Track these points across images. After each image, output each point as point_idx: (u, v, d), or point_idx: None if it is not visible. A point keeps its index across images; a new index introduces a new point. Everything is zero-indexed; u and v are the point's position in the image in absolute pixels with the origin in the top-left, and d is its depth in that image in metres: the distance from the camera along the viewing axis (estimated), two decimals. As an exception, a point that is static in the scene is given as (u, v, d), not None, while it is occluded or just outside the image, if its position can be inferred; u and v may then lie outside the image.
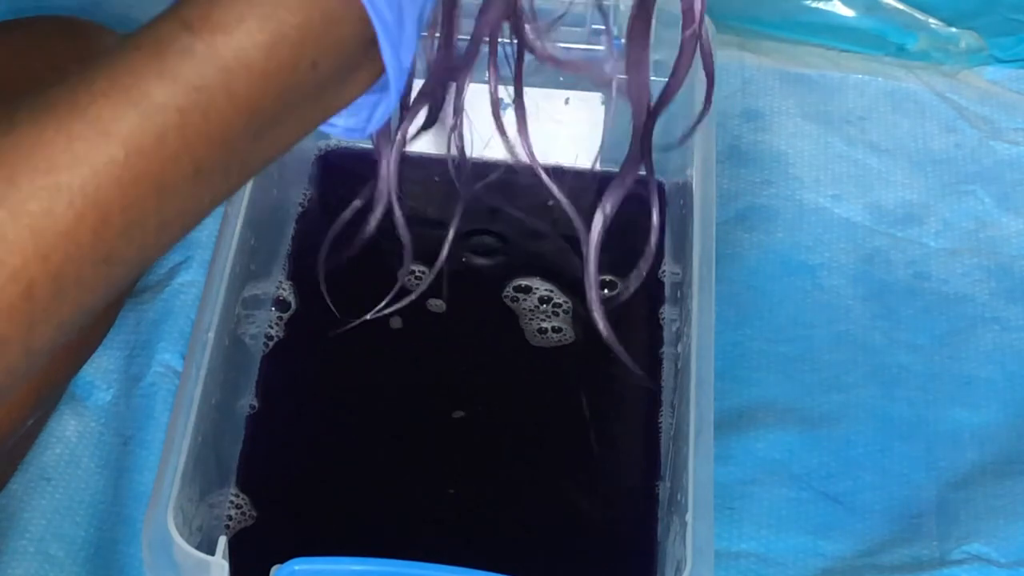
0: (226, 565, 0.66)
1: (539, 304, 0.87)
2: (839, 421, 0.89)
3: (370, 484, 0.80)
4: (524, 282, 0.88)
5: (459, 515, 0.79)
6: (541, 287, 0.88)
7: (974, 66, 1.08)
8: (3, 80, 0.86)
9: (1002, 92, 1.06)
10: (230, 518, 0.78)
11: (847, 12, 1.08)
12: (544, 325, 0.86)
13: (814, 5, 1.08)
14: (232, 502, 0.78)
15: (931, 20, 1.08)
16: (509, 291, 0.88)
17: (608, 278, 0.86)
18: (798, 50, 1.09)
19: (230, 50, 0.46)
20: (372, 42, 0.48)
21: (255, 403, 0.82)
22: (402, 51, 0.49)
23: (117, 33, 0.97)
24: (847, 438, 0.88)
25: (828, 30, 1.08)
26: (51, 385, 0.82)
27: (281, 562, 0.65)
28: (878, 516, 0.85)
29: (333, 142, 0.95)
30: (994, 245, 0.98)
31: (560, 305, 0.87)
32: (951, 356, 0.93)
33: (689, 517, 0.68)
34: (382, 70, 0.50)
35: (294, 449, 0.81)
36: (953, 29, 1.08)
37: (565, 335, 0.86)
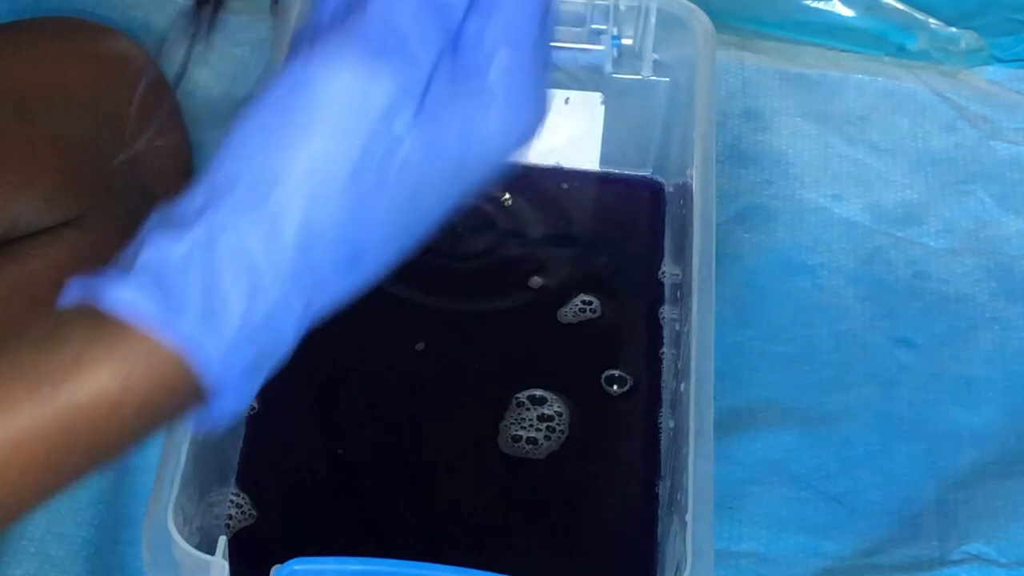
0: (226, 565, 0.66)
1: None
2: (839, 421, 0.89)
3: (370, 484, 0.80)
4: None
5: (459, 515, 0.79)
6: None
7: (974, 66, 1.08)
8: (9, 82, 0.86)
9: (1002, 92, 1.06)
10: (230, 518, 0.78)
11: (847, 12, 1.08)
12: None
13: (814, 5, 1.08)
14: (232, 502, 0.78)
15: (931, 20, 1.08)
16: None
17: (616, 373, 0.85)
18: (798, 50, 1.08)
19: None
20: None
21: (255, 404, 0.82)
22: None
23: (119, 33, 0.97)
24: (847, 438, 0.88)
25: (828, 30, 1.08)
26: None
27: (281, 562, 0.65)
28: (878, 516, 0.85)
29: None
30: (994, 245, 0.98)
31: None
32: (951, 356, 0.93)
33: (689, 517, 0.68)
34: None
35: (294, 449, 0.81)
36: (953, 29, 1.08)
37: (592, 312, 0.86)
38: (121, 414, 0.47)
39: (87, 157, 0.86)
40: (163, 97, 0.94)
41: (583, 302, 0.87)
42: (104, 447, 0.48)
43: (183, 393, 0.48)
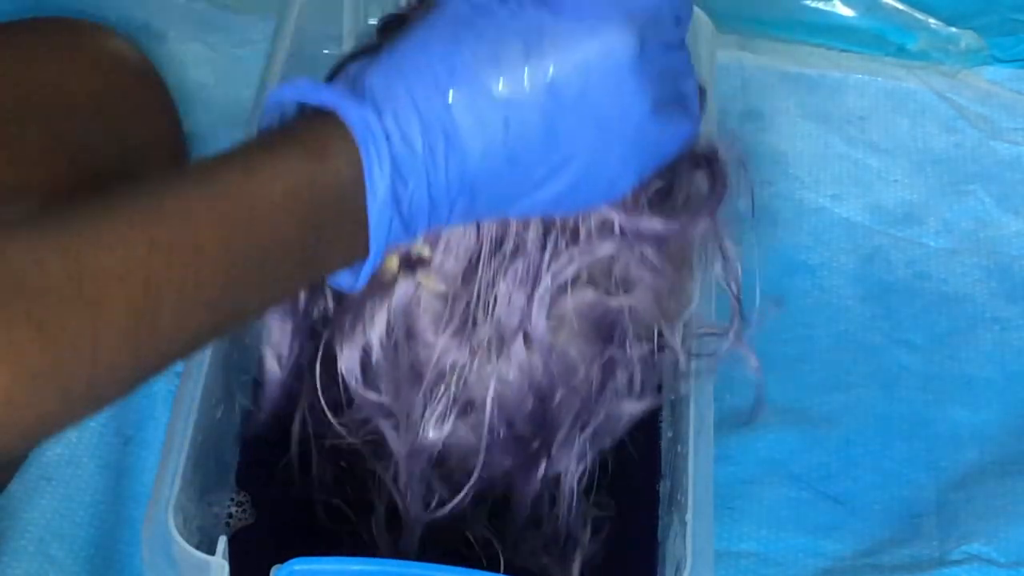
0: (226, 565, 0.66)
1: None
2: (839, 421, 0.89)
3: (370, 484, 0.80)
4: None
5: (459, 515, 0.79)
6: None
7: (974, 66, 1.08)
8: (5, 83, 0.86)
9: (1002, 92, 1.06)
10: (230, 517, 0.78)
11: (847, 12, 1.08)
12: None
13: (814, 5, 1.08)
14: (232, 501, 0.78)
15: (931, 20, 1.08)
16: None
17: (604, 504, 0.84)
18: (798, 50, 1.09)
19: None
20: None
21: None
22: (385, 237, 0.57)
23: (120, 35, 0.97)
24: (847, 438, 0.89)
25: (828, 30, 1.08)
26: None
27: (281, 562, 0.65)
28: (878, 516, 0.85)
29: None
30: (994, 245, 0.98)
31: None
32: (951, 356, 0.93)
33: (689, 517, 0.68)
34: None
35: (294, 449, 0.81)
36: (953, 29, 1.08)
37: None
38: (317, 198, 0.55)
39: (81, 159, 0.86)
40: (158, 97, 0.94)
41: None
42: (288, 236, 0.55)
43: (353, 209, 0.56)
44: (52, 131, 0.86)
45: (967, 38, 1.07)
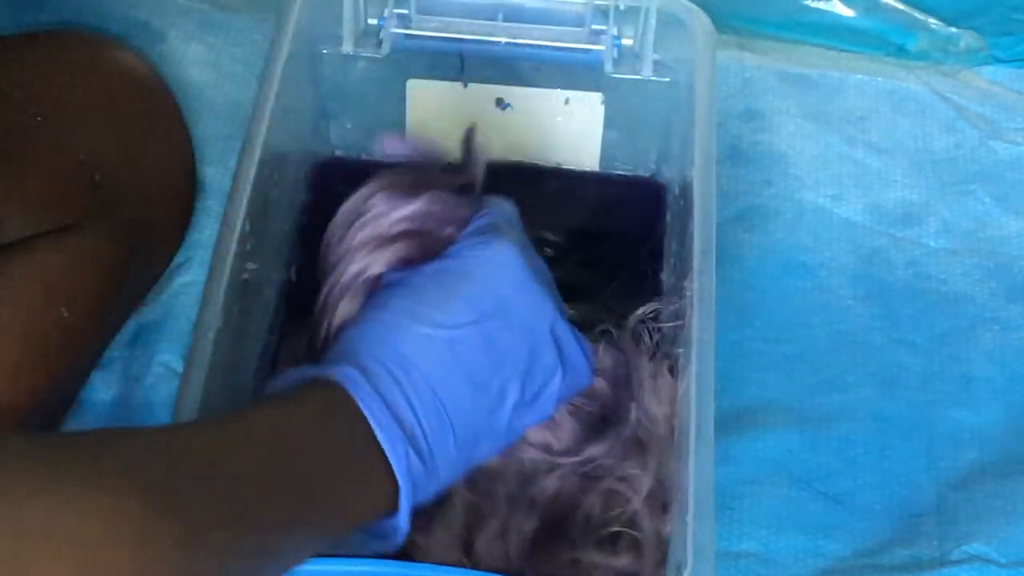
0: (226, 565, 0.66)
1: None
2: (839, 421, 0.89)
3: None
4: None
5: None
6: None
7: (974, 66, 1.08)
8: (11, 95, 0.86)
9: (1002, 92, 1.06)
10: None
11: (847, 12, 1.08)
12: None
13: (814, 5, 1.08)
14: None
15: (931, 20, 1.08)
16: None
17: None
18: (798, 50, 1.09)
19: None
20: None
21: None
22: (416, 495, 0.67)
23: (123, 45, 0.97)
24: (847, 438, 0.89)
25: (828, 30, 1.08)
26: (52, 383, 0.83)
27: (281, 562, 0.65)
28: (878, 516, 0.85)
29: (329, 149, 0.95)
30: (994, 245, 0.98)
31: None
32: (951, 356, 0.93)
33: (689, 517, 0.68)
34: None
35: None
36: (953, 29, 1.08)
37: None
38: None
39: (85, 168, 0.86)
40: (165, 105, 0.95)
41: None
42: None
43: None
44: (60, 142, 0.86)
45: (967, 38, 1.07)
